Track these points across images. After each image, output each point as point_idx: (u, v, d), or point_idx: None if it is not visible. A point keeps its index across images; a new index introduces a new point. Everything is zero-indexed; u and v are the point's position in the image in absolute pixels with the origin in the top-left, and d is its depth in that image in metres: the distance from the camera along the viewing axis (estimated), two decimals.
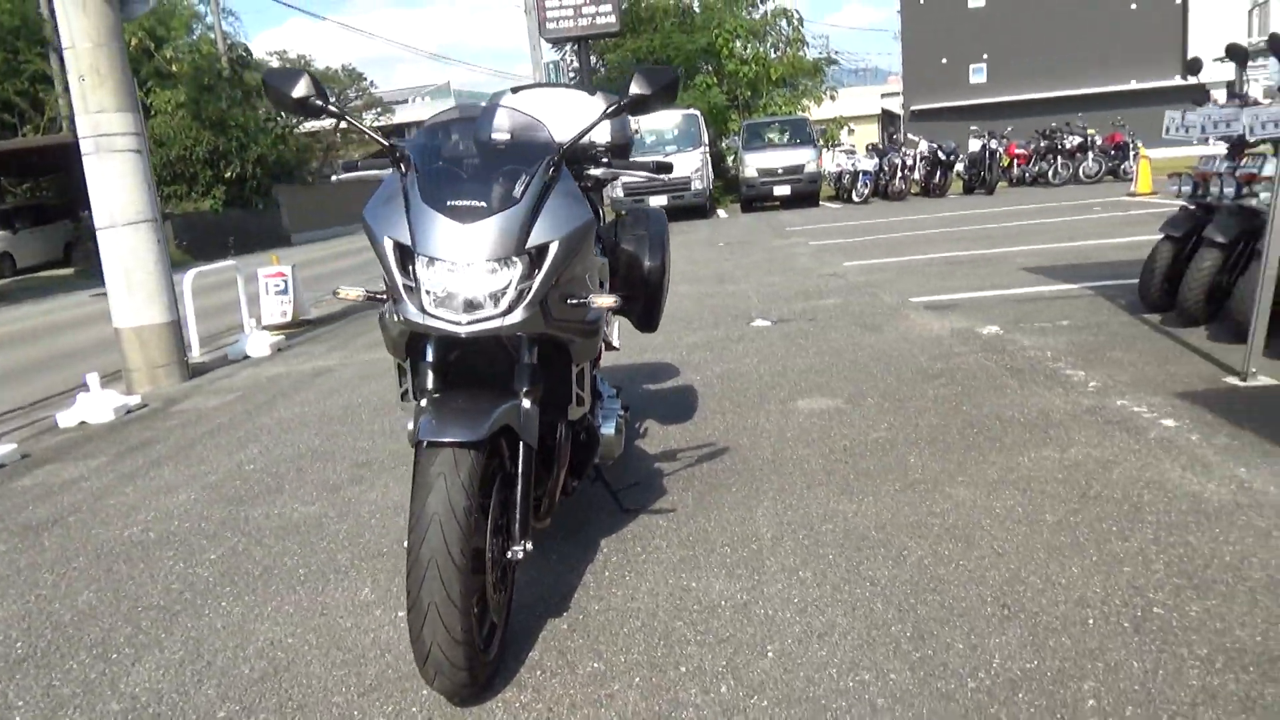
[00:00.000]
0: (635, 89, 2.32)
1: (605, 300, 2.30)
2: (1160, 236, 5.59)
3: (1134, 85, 36.22)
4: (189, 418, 5.35)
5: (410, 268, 2.13)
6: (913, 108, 39.64)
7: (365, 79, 40.36)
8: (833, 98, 25.95)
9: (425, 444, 2.05)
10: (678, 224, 17.06)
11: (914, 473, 3.30)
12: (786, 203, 19.30)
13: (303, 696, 2.23)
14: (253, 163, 23.45)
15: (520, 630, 2.41)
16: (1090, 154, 19.13)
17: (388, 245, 2.14)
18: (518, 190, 2.15)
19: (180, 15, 25.45)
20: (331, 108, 2.31)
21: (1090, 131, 19.47)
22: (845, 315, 6.50)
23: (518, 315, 2.11)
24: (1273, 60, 5.49)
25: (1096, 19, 36.20)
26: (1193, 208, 5.52)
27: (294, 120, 33.28)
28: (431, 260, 2.09)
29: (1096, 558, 2.53)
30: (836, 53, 25.77)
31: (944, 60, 38.98)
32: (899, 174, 19.10)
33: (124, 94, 6.33)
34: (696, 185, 18.41)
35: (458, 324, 2.09)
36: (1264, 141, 4.98)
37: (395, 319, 2.20)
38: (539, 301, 2.14)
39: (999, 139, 19.19)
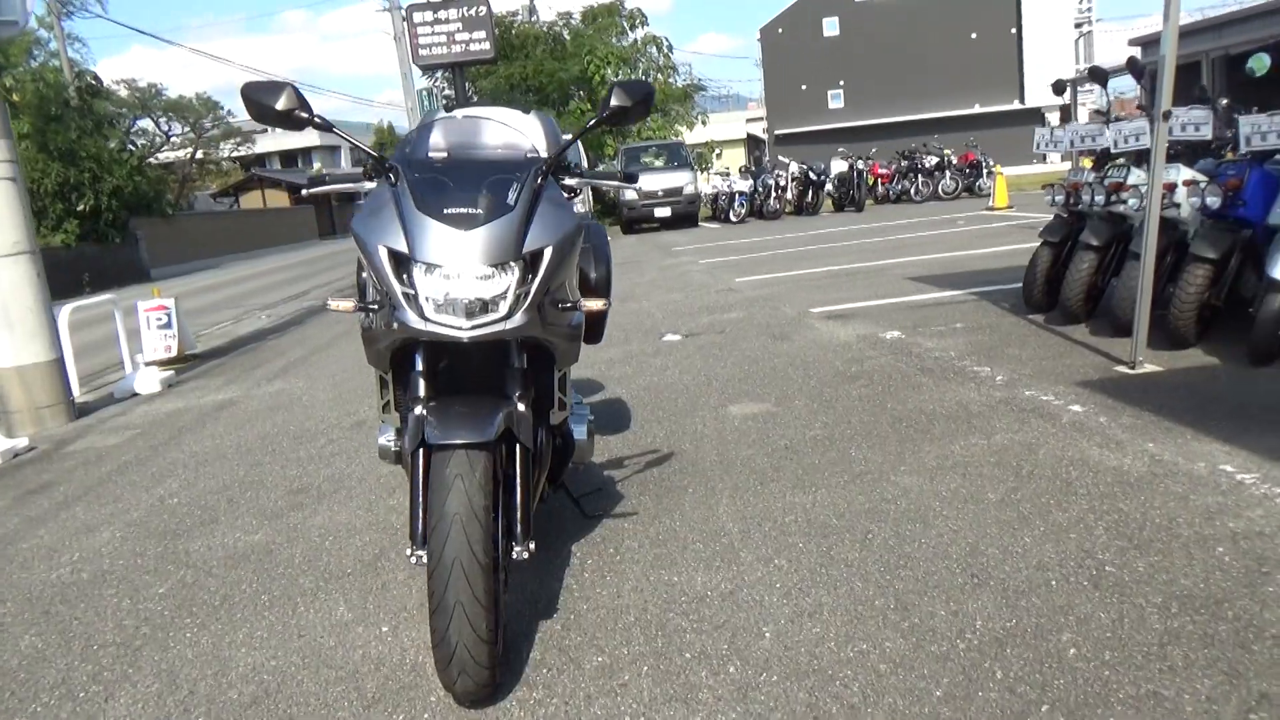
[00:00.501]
0: (615, 101, 2.41)
1: (595, 304, 2.37)
2: (1039, 243, 6.04)
3: (977, 109, 38.64)
4: (88, 457, 5.06)
5: (406, 276, 2.14)
6: (776, 131, 41.11)
7: (222, 107, 38.92)
8: (704, 123, 26.67)
9: (433, 448, 2.06)
10: None
11: (858, 465, 3.48)
12: (667, 224, 19.66)
13: (304, 715, 2.18)
14: (108, 195, 22.21)
15: (515, 633, 2.43)
16: (948, 172, 20.30)
17: (382, 254, 2.15)
18: (510, 197, 2.20)
19: (19, 41, 23.94)
20: (317, 119, 2.30)
21: (946, 152, 20.68)
22: (752, 327, 6.72)
23: (518, 319, 2.16)
24: (1097, 86, 6.07)
25: (941, 48, 38.48)
26: (1065, 216, 5.99)
27: (148, 150, 31.81)
28: (430, 267, 2.11)
29: (1043, 528, 2.75)
30: (700, 80, 26.53)
31: (803, 86, 40.63)
32: (773, 194, 19.76)
33: None
34: (578, 208, 18.56)
35: (460, 329, 2.11)
36: (1124, 154, 5.47)
37: (388, 327, 2.21)
38: (537, 305, 2.19)
39: (864, 160, 20.14)
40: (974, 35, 38.92)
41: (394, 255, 2.15)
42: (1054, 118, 39.47)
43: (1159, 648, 2.06)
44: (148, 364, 7.51)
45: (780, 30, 40.57)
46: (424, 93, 21.55)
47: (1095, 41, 39.70)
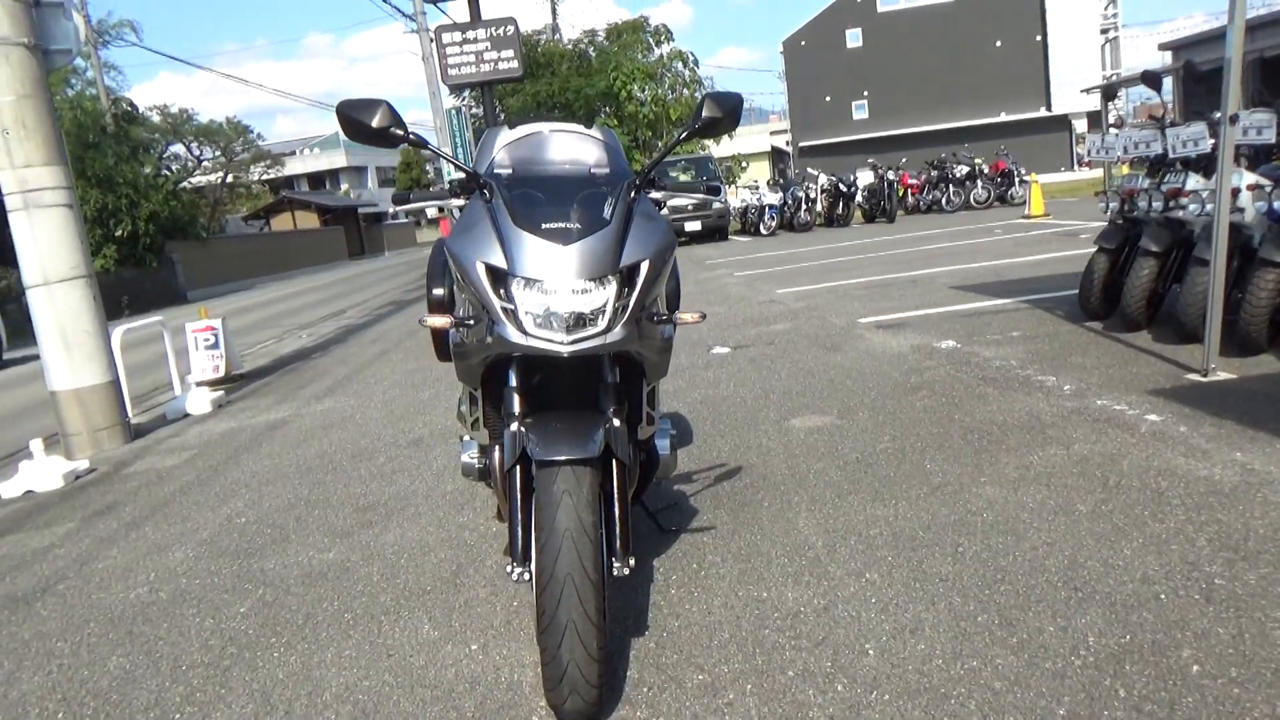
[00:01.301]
0: (707, 113, 2.39)
1: (689, 317, 2.35)
2: (1095, 249, 5.96)
3: (1004, 117, 38.46)
4: (149, 478, 5.10)
5: (504, 291, 2.13)
6: (801, 144, 41.13)
7: (251, 130, 39.44)
8: (730, 136, 26.68)
9: (538, 464, 2.05)
10: None
11: (935, 477, 3.42)
12: (696, 238, 19.66)
13: None
14: (145, 219, 22.55)
15: (609, 651, 2.40)
16: (979, 182, 20.16)
17: (480, 270, 2.14)
18: (606, 212, 2.19)
19: (56, 70, 24.43)
20: (413, 136, 2.31)
21: (977, 161, 20.55)
22: (801, 338, 6.68)
23: (617, 333, 2.14)
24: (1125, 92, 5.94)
25: (966, 57, 38.36)
26: (1120, 222, 5.91)
27: (182, 174, 32.25)
28: (529, 281, 2.10)
29: (1141, 540, 2.68)
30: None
31: (827, 98, 40.64)
32: (803, 206, 19.71)
33: (52, 147, 6.07)
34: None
35: (560, 343, 2.10)
36: (1181, 159, 5.39)
37: (484, 343, 2.19)
38: (635, 319, 2.17)
39: (894, 170, 20.05)
40: (999, 43, 38.77)
41: (491, 271, 2.14)
42: (1080, 124, 39.27)
43: None
44: (197, 384, 7.58)
45: (803, 42, 40.62)
46: (452, 112, 21.69)
47: (1121, 47, 39.47)
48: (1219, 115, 4.24)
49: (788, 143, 43.79)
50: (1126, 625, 2.23)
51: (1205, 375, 4.32)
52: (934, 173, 20.79)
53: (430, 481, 4.23)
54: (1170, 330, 5.19)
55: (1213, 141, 5.07)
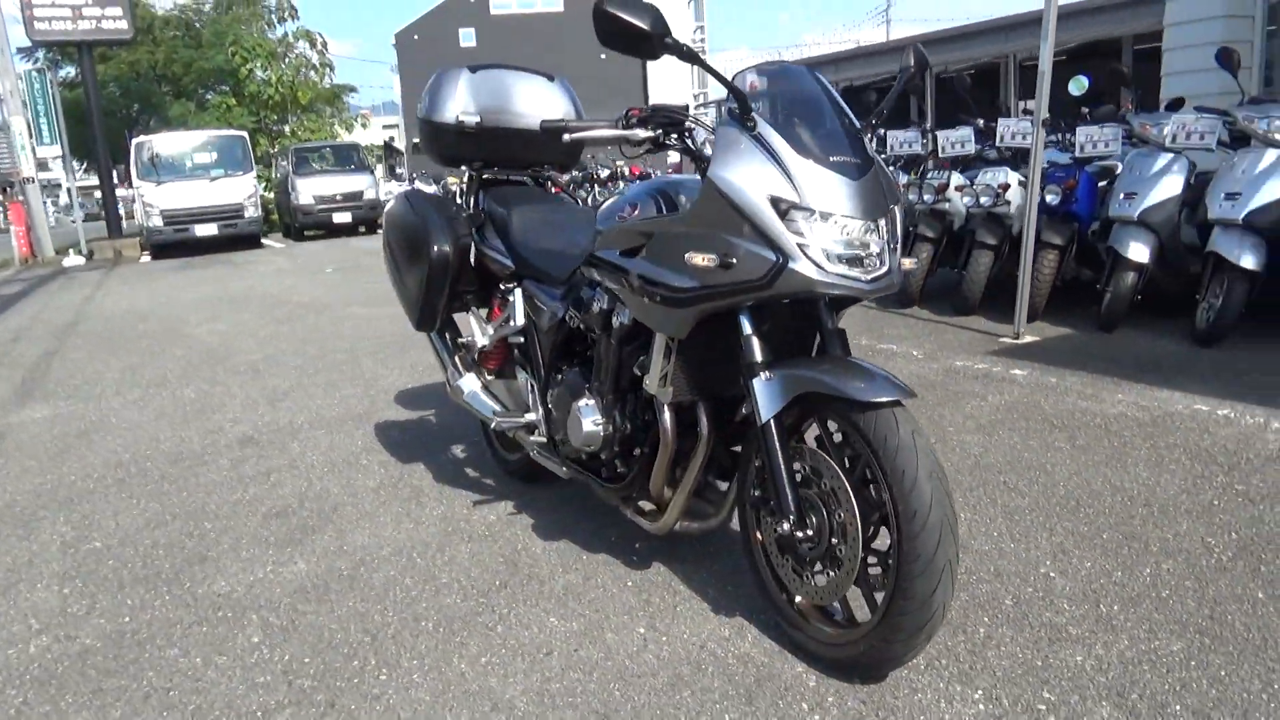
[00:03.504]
0: (914, 62, 2.33)
1: (909, 262, 2.32)
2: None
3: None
4: None
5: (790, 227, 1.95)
6: (414, 140, 40.42)
7: None
8: (364, 125, 25.54)
9: (863, 406, 1.91)
10: (230, 255, 15.59)
11: None
12: (347, 230, 18.56)
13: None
14: None
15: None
16: (622, 184, 21.38)
17: (765, 203, 1.95)
18: (869, 150, 2.10)
19: None
20: (685, 48, 2.01)
21: (619, 163, 21.75)
22: None
23: (895, 274, 2.07)
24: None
25: (576, 66, 40.14)
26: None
27: None
28: (825, 215, 1.95)
29: (1128, 460, 3.16)
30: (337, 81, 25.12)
31: None
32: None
33: None
34: (250, 213, 16.95)
35: (859, 281, 1.98)
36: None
37: (753, 282, 1.96)
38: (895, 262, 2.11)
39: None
40: (603, 56, 41.31)
41: (777, 202, 1.96)
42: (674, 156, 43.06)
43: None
44: None
45: (416, 37, 40.04)
46: (33, 74, 18.15)
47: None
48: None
49: (391, 140, 42.75)
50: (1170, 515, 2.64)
51: (1018, 338, 5.11)
52: (577, 173, 21.62)
53: (340, 480, 3.64)
54: (947, 305, 6.03)
55: (977, 146, 6.00)
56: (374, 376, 5.41)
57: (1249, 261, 4.44)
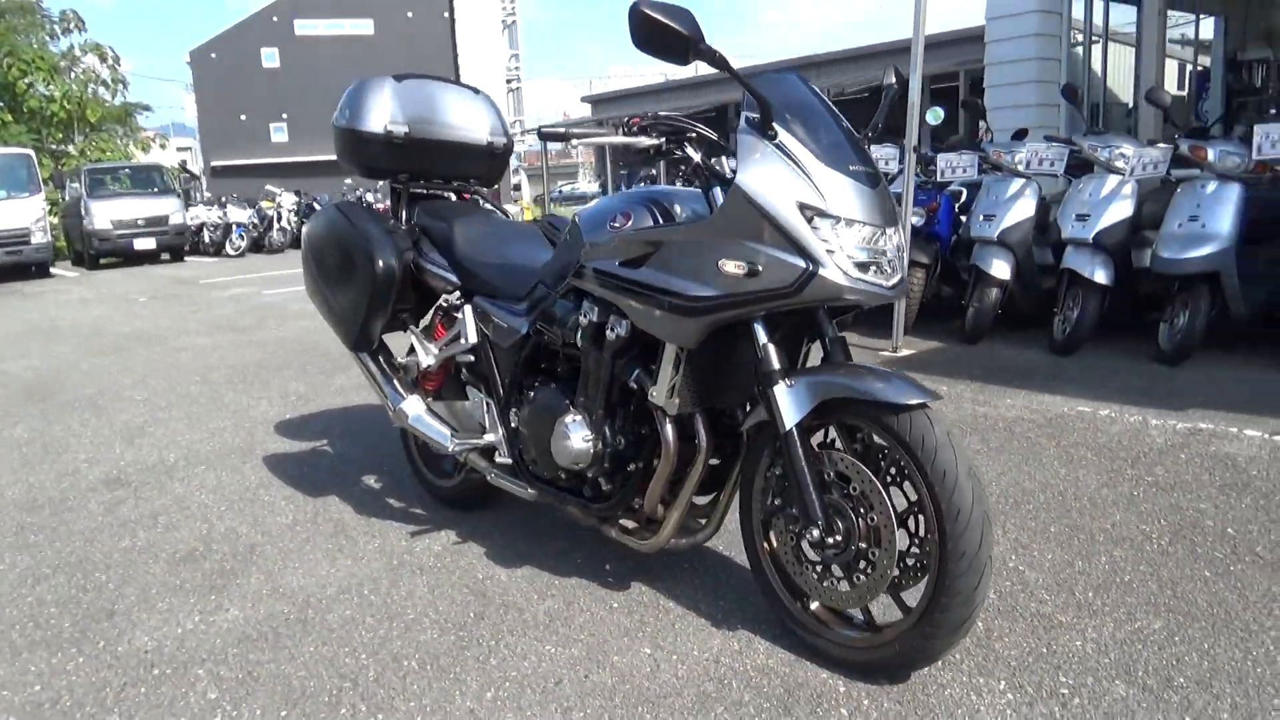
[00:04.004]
0: (895, 80, 2.41)
1: None
2: None
3: None
4: None
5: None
6: (214, 163, 38.17)
7: None
8: (162, 146, 23.81)
9: (892, 408, 1.94)
10: (16, 284, 14.18)
11: None
12: (149, 258, 17.17)
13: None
14: None
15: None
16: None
17: (795, 210, 1.95)
18: (872, 160, 2.14)
19: None
20: (718, 55, 1.97)
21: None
22: None
23: (904, 280, 2.11)
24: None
25: None
26: None
27: None
28: (850, 223, 1.98)
29: (1039, 456, 3.38)
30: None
31: (243, 116, 38.34)
32: (275, 226, 18.50)
33: None
34: (38, 238, 15.39)
35: (883, 287, 2.01)
36: None
37: (777, 290, 1.96)
38: None
39: (373, 193, 19.88)
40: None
41: (806, 209, 1.96)
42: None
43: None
44: None
45: (214, 55, 37.83)
46: None
47: (524, 97, 44.24)
48: None
49: (184, 163, 40.18)
50: (1062, 499, 2.86)
51: (895, 351, 5.38)
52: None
53: (245, 519, 3.34)
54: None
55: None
56: (241, 408, 5.01)
57: (1101, 276, 4.89)
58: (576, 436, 2.38)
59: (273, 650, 2.36)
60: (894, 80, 2.36)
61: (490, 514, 3.19)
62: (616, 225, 2.30)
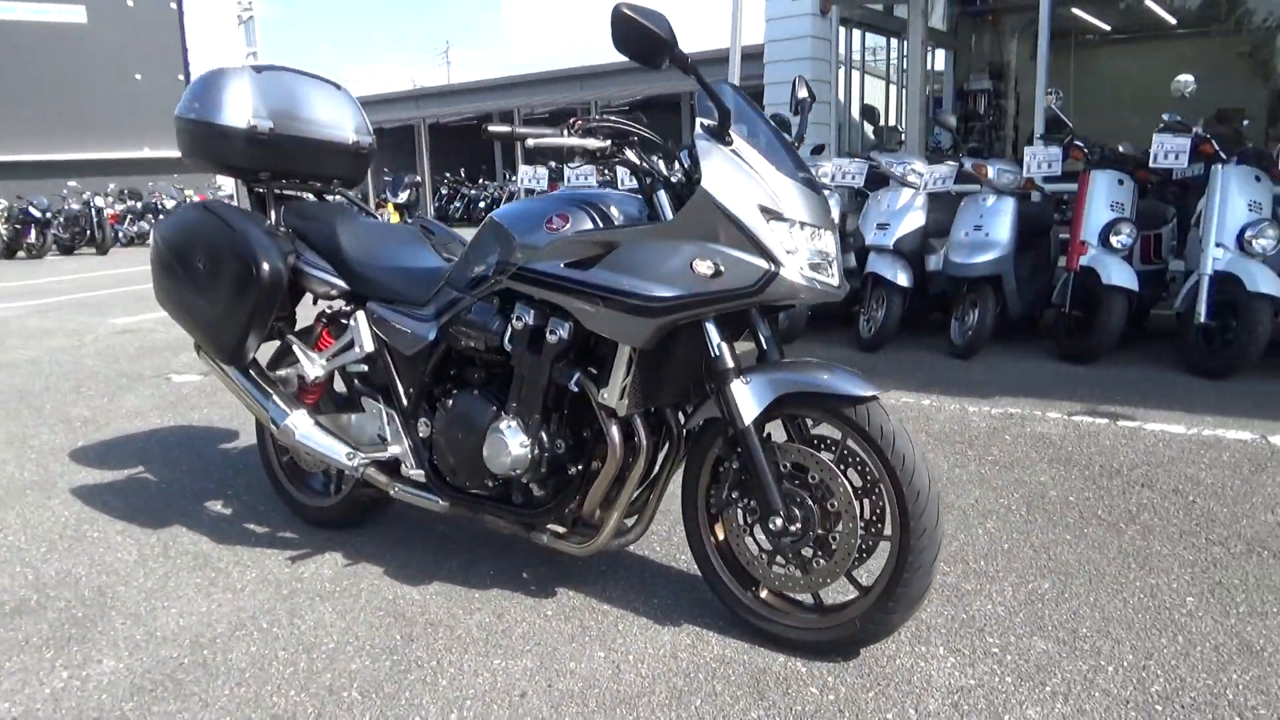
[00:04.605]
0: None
1: None
2: None
3: (147, 153, 36.81)
4: None
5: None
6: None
7: None
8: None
9: (854, 400, 2.05)
10: None
11: None
12: None
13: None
14: None
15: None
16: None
17: (756, 213, 2.02)
18: (809, 168, 2.25)
19: None
20: (689, 62, 1.97)
21: (187, 193, 19.73)
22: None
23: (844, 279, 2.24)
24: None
25: (104, 86, 35.61)
26: None
27: None
28: (804, 225, 2.07)
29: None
30: None
31: None
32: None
33: None
34: None
35: (834, 286, 2.12)
36: None
37: (738, 291, 2.02)
38: None
39: (104, 197, 17.96)
40: (139, 76, 37.01)
41: (765, 212, 2.04)
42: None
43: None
44: None
45: None
46: None
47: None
48: None
49: None
50: (1000, 491, 3.19)
51: None
52: (135, 203, 19.26)
53: (81, 560, 2.95)
54: None
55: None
56: (17, 438, 4.39)
57: (902, 279, 5.37)
58: (513, 442, 2.32)
59: (180, 700, 2.11)
60: (806, 94, 2.49)
61: (368, 532, 3.02)
62: (554, 227, 2.27)
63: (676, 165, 2.21)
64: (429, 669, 2.20)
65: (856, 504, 2.09)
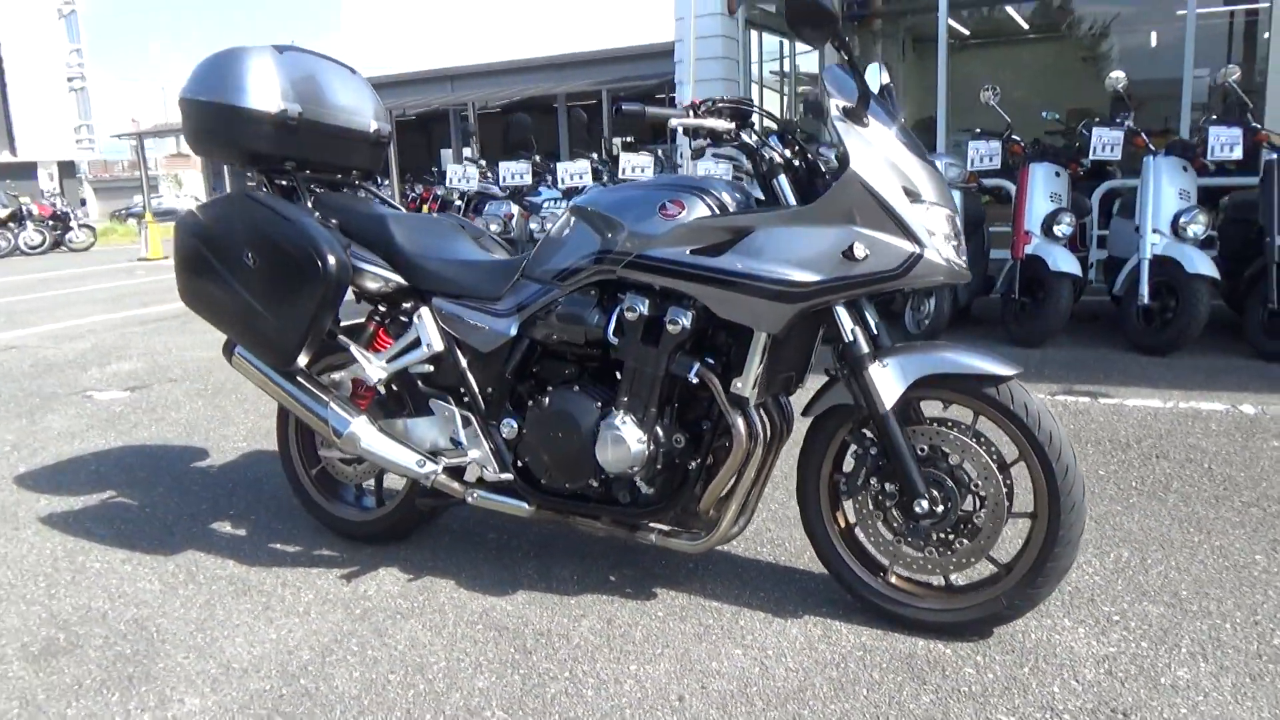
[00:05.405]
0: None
1: None
2: None
3: None
4: None
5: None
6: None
7: None
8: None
9: (995, 380, 2.06)
10: None
11: None
12: None
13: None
14: None
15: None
16: (29, 224, 17.84)
17: (899, 194, 2.01)
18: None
19: None
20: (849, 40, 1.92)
21: (23, 200, 18.17)
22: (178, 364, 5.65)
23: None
24: None
25: None
26: None
27: None
28: (938, 206, 2.07)
29: None
30: None
31: None
32: None
33: None
34: None
35: (963, 266, 2.12)
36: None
37: (882, 273, 2.01)
38: None
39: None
40: None
41: (908, 194, 2.03)
42: (52, 171, 36.93)
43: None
44: None
45: None
46: None
47: (91, 98, 38.64)
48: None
49: None
50: None
51: None
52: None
53: (103, 595, 2.65)
54: None
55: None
56: None
57: None
58: (630, 439, 2.22)
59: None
60: (889, 78, 2.49)
61: (410, 544, 2.85)
62: (671, 214, 2.19)
63: (791, 150, 2.19)
64: (565, 681, 2.08)
65: (1002, 484, 2.11)
